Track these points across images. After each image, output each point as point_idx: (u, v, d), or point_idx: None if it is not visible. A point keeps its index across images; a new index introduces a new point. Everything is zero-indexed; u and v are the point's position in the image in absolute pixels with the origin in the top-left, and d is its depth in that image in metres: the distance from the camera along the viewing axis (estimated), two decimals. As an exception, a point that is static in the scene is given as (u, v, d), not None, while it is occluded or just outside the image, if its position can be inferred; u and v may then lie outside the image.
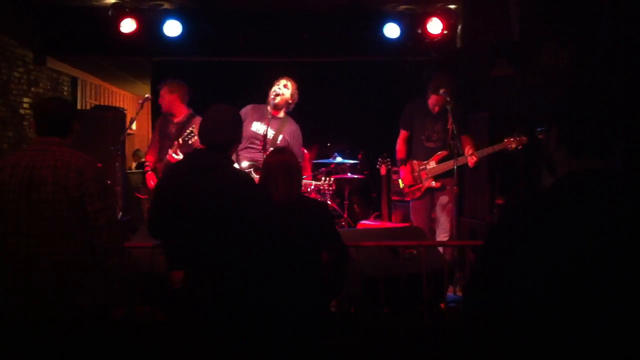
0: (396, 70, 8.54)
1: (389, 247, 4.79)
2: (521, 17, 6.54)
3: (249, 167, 5.67)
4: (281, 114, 5.76)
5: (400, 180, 6.16)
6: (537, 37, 6.35)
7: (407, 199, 6.30)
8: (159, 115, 6.57)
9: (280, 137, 5.70)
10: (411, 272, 4.44)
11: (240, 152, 5.71)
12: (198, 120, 5.91)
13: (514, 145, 5.50)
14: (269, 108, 5.68)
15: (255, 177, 5.51)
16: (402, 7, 7.69)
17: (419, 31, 7.68)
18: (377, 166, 7.17)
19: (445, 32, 7.56)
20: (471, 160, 5.67)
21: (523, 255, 1.75)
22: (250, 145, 5.67)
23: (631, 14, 5.17)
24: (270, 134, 5.66)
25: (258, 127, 5.69)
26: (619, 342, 1.69)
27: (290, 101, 5.74)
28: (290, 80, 5.77)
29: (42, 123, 3.11)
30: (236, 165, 5.63)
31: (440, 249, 5.32)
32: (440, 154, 5.94)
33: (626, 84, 5.15)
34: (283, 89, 5.66)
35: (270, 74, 5.94)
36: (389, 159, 7.02)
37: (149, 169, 6.33)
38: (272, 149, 5.58)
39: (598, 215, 1.73)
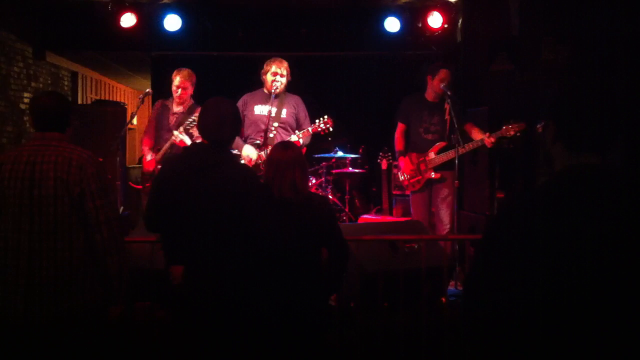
0: (397, 65, 8.52)
1: (388, 242, 4.79)
2: (521, 12, 6.53)
3: (251, 144, 5.74)
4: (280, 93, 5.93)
5: (400, 172, 6.16)
6: (536, 32, 6.35)
7: (407, 191, 6.30)
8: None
9: (284, 110, 5.87)
10: (411, 266, 4.44)
11: (247, 136, 5.86)
12: (199, 109, 5.89)
13: (512, 132, 5.51)
14: (265, 91, 5.75)
15: (257, 155, 5.60)
16: (402, 0, 7.67)
17: (419, 25, 7.67)
18: (378, 160, 7.18)
19: (445, 26, 7.54)
20: (489, 141, 5.64)
21: (522, 251, 1.74)
22: (257, 129, 5.81)
23: (631, 10, 5.16)
24: (273, 110, 5.83)
25: (261, 109, 5.82)
26: (619, 338, 1.68)
27: (287, 83, 5.89)
28: (283, 65, 5.83)
29: (39, 119, 3.08)
30: (248, 149, 5.69)
31: (441, 243, 5.31)
32: (439, 144, 5.94)
33: (625, 80, 5.15)
34: (280, 79, 5.76)
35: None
36: (389, 154, 7.03)
37: (146, 153, 6.26)
38: (272, 135, 5.66)
39: (597, 211, 1.73)
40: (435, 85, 5.88)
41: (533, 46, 6.35)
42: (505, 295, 1.77)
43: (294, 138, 5.63)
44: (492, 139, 5.61)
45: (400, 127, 6.18)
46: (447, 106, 5.72)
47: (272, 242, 3.25)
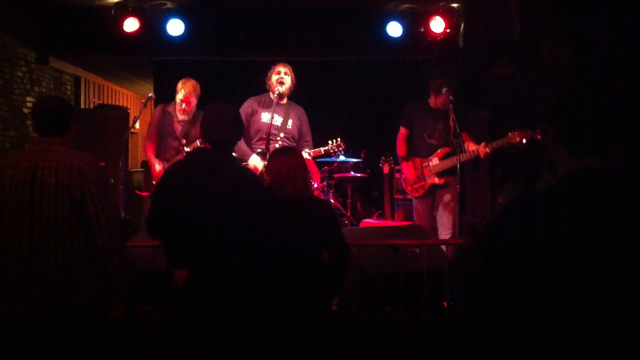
0: (398, 69, 8.53)
1: (390, 246, 4.79)
2: (521, 16, 6.53)
3: (260, 154, 5.75)
4: (284, 100, 5.95)
5: (402, 177, 6.16)
6: (537, 35, 6.34)
7: (410, 196, 6.29)
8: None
9: (290, 121, 5.91)
10: (412, 270, 4.44)
11: (253, 143, 5.88)
12: None
13: (518, 139, 5.47)
14: (272, 96, 5.77)
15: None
16: (404, 5, 7.68)
17: (422, 30, 7.67)
18: (380, 165, 7.17)
19: (447, 30, 7.55)
20: (483, 151, 5.63)
21: (523, 255, 1.74)
22: (262, 136, 5.82)
23: (631, 12, 5.16)
24: (279, 120, 5.82)
25: (267, 117, 5.81)
26: (619, 342, 1.68)
27: (292, 87, 5.89)
28: (287, 67, 5.86)
29: (40, 123, 3.11)
30: (255, 159, 5.70)
31: (443, 247, 5.31)
32: (443, 150, 5.94)
33: (626, 82, 5.14)
34: (285, 77, 5.78)
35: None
36: (391, 158, 7.03)
37: (154, 162, 6.19)
38: (278, 145, 5.66)
39: (599, 214, 1.73)
40: (438, 102, 5.90)
41: (534, 50, 6.34)
42: (507, 298, 1.78)
43: (304, 155, 5.64)
44: (487, 150, 5.61)
45: (402, 131, 6.18)
46: (451, 113, 5.72)
47: (273, 243, 3.26)
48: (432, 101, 6.01)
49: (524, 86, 6.54)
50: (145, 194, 6.49)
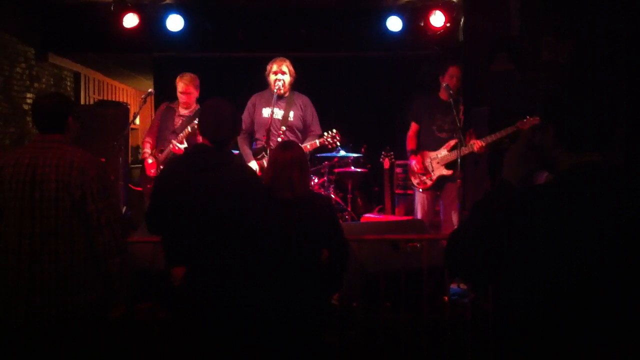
0: (398, 64, 8.52)
1: (389, 242, 4.79)
2: (521, 12, 6.53)
3: (259, 151, 5.72)
4: (287, 93, 5.86)
5: (410, 170, 6.13)
6: (537, 32, 6.34)
7: (418, 188, 6.24)
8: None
9: (292, 113, 5.82)
10: (413, 266, 4.44)
11: (255, 139, 5.85)
12: None
13: (527, 126, 5.43)
14: (271, 91, 5.73)
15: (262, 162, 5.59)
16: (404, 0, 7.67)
17: (422, 24, 7.64)
18: (381, 160, 7.16)
19: (447, 25, 7.52)
20: (477, 144, 5.66)
21: (524, 251, 1.75)
22: (264, 131, 5.75)
23: (631, 10, 5.16)
24: (280, 113, 5.77)
25: (268, 112, 5.78)
26: (620, 335, 1.69)
27: (292, 81, 5.83)
28: (284, 62, 5.80)
29: (39, 120, 3.11)
30: (254, 165, 5.67)
31: (443, 242, 5.30)
32: (451, 142, 5.93)
33: (626, 78, 5.14)
34: (282, 76, 5.72)
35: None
36: (392, 153, 7.03)
37: (147, 156, 6.26)
38: (280, 139, 5.63)
39: (600, 207, 1.74)
40: (450, 80, 5.88)
41: (533, 46, 6.34)
42: (508, 294, 1.78)
43: None
44: (482, 143, 5.68)
45: (413, 126, 6.16)
46: (461, 107, 5.72)
47: (272, 242, 3.26)
48: (442, 89, 5.98)
49: (523, 83, 6.55)
50: (139, 188, 6.49)
